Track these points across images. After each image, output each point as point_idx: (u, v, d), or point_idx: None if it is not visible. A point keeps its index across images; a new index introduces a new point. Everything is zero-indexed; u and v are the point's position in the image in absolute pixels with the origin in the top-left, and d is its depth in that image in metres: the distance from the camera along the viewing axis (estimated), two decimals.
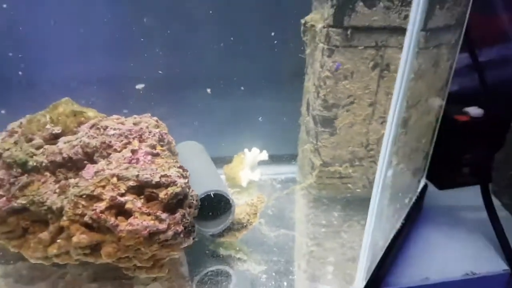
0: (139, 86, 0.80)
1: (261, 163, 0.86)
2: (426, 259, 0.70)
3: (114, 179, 0.51)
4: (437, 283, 0.66)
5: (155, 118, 0.68)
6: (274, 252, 0.67)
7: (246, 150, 0.85)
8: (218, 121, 0.90)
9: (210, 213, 0.66)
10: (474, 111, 0.85)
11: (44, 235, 0.54)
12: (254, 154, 0.84)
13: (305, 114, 0.78)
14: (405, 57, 0.43)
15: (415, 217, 0.78)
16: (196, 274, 0.63)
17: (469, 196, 0.86)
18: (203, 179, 0.67)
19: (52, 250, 0.54)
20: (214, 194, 0.64)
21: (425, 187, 0.82)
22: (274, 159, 0.89)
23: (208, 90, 0.87)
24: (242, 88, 0.88)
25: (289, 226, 0.74)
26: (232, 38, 0.83)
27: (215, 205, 0.67)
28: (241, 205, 0.69)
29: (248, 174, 0.82)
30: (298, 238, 0.71)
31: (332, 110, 0.69)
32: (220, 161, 0.85)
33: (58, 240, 0.53)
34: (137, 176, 0.51)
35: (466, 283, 0.67)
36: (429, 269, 0.67)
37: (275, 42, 0.83)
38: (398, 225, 0.68)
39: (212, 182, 0.67)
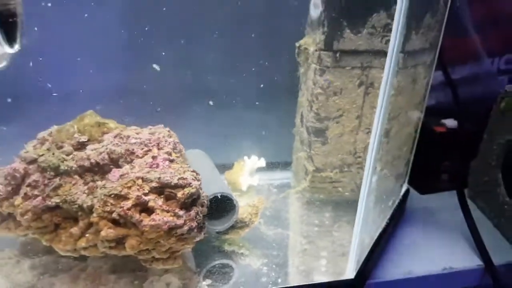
0: (156, 66, 0.85)
1: (258, 169, 0.95)
2: (409, 255, 0.78)
3: (139, 181, 0.60)
4: (419, 276, 0.74)
5: (167, 128, 0.76)
6: (273, 247, 0.75)
7: (245, 157, 0.94)
8: (219, 131, 0.98)
9: (217, 213, 0.74)
10: (450, 122, 0.95)
11: (75, 230, 0.61)
12: (253, 161, 0.92)
13: (299, 125, 0.87)
14: (386, 76, 0.52)
15: (398, 218, 0.87)
16: (203, 267, 0.71)
17: (447, 200, 0.95)
18: (210, 183, 0.75)
19: (81, 243, 0.61)
20: (220, 196, 0.72)
21: (407, 191, 0.91)
22: (270, 166, 0.98)
23: (211, 102, 0.95)
24: (239, 101, 0.96)
25: (285, 225, 0.82)
26: (231, 55, 0.91)
27: (220, 206, 0.75)
28: (243, 206, 0.77)
29: (248, 179, 0.91)
30: (293, 236, 0.80)
31: (323, 122, 0.78)
32: (222, 167, 0.94)
33: (87, 235, 0.61)
34: (159, 178, 0.60)
35: (445, 277, 0.75)
36: (412, 264, 0.76)
37: (271, 62, 0.91)
38: (383, 224, 0.77)
39: (218, 185, 0.75)
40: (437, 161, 0.97)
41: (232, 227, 0.75)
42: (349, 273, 0.65)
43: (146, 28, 0.84)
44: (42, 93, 0.82)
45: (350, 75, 0.74)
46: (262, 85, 0.94)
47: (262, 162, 0.93)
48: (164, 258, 0.63)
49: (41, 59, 0.78)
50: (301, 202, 0.88)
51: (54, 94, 0.82)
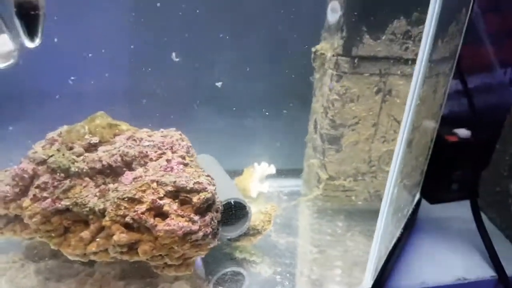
0: (174, 56, 0.83)
1: (267, 176, 0.93)
2: (422, 266, 0.77)
3: (154, 184, 0.58)
4: (433, 287, 0.73)
5: (179, 132, 0.74)
6: (285, 256, 0.73)
7: (255, 164, 0.92)
8: (229, 137, 0.97)
9: (229, 219, 0.73)
10: (463, 132, 0.94)
11: (85, 234, 0.59)
12: (263, 168, 0.91)
13: (312, 132, 0.85)
14: (414, 85, 0.50)
15: (411, 228, 0.85)
16: (214, 274, 0.69)
17: (458, 210, 0.95)
18: (222, 188, 0.73)
19: (91, 248, 0.59)
20: (233, 202, 0.70)
21: (419, 201, 0.90)
22: (279, 173, 0.96)
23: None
24: (248, 106, 0.95)
25: (297, 234, 0.81)
26: (242, 60, 0.90)
27: (232, 212, 0.73)
28: (255, 212, 0.76)
29: (258, 186, 0.89)
30: (305, 245, 0.78)
31: (338, 129, 0.77)
32: (231, 173, 0.92)
33: (98, 239, 0.59)
34: (174, 182, 0.58)
35: (458, 287, 0.74)
36: (425, 274, 0.75)
37: (284, 68, 0.90)
38: (397, 234, 0.75)
39: (231, 191, 0.74)
40: (448, 170, 0.96)
41: (244, 234, 0.73)
42: (367, 283, 0.63)
43: (157, 30, 0.84)
44: (43, 94, 0.81)
45: (367, 82, 0.73)
46: (271, 91, 0.93)
47: (272, 169, 0.92)
48: (176, 265, 0.61)
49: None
50: (312, 211, 0.86)
51: (57, 97, 0.80)
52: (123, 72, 0.87)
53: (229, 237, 0.72)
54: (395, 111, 0.75)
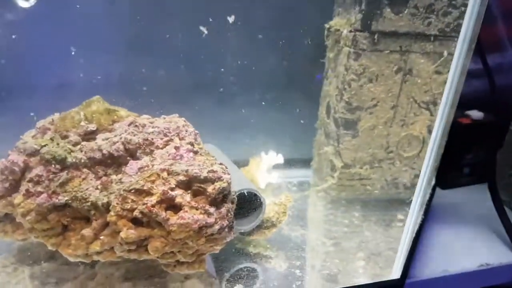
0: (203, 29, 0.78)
1: (274, 166, 0.88)
2: (443, 253, 0.74)
3: (164, 174, 0.51)
4: (456, 274, 0.70)
5: (183, 118, 0.68)
6: (301, 249, 0.68)
7: (263, 153, 0.86)
8: (229, 126, 0.92)
9: (241, 211, 0.67)
10: (476, 114, 0.90)
11: (87, 231, 0.53)
12: (271, 158, 0.85)
13: (324, 117, 0.80)
14: (454, 66, 0.45)
15: (427, 215, 0.81)
16: (226, 271, 0.63)
17: (470, 195, 0.93)
18: (234, 179, 0.67)
19: (95, 247, 0.53)
20: (246, 193, 0.65)
21: (434, 186, 0.86)
22: (286, 162, 0.91)
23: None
24: (250, 95, 0.90)
25: (311, 225, 0.76)
26: (248, 46, 0.85)
27: (245, 204, 0.68)
28: (268, 204, 0.70)
29: (266, 177, 0.83)
30: (320, 237, 0.73)
31: (355, 112, 0.72)
32: (235, 164, 0.86)
33: (102, 237, 0.53)
34: (187, 171, 0.52)
35: (481, 274, 0.71)
36: (447, 262, 0.71)
37: (290, 50, 0.85)
38: (419, 221, 0.71)
39: (242, 182, 0.68)
40: (461, 154, 0.93)
41: (257, 227, 0.68)
42: (395, 273, 0.59)
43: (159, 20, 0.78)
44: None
45: (387, 60, 0.68)
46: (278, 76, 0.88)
47: (280, 159, 0.86)
48: (189, 262, 0.55)
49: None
50: (326, 201, 0.81)
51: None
52: (118, 62, 0.81)
53: (242, 231, 0.67)
54: (416, 92, 0.70)
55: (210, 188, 0.52)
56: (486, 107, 0.93)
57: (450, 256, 0.73)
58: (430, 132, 0.74)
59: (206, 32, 0.76)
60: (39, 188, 0.53)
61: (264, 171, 0.84)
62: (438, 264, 0.71)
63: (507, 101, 0.88)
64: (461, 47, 0.45)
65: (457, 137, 0.89)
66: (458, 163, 0.94)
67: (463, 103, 0.91)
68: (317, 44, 0.81)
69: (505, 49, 0.94)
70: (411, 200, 0.77)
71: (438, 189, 0.95)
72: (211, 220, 0.51)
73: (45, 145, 0.56)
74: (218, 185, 0.53)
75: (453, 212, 0.87)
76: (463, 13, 0.63)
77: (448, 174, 0.95)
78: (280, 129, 0.92)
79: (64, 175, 0.54)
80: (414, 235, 0.68)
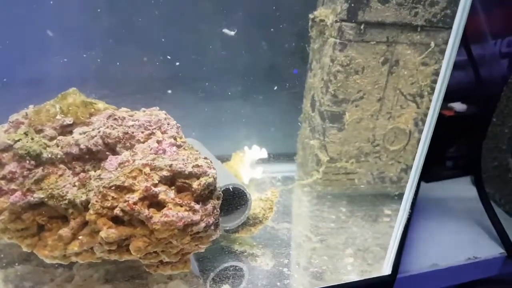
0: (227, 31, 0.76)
1: (258, 161, 0.86)
2: (431, 248, 0.73)
3: (147, 169, 0.49)
4: (445, 268, 0.70)
5: (164, 111, 0.65)
6: (288, 246, 0.67)
7: (246, 148, 0.84)
8: (214, 120, 0.89)
9: (226, 208, 0.65)
10: (459, 106, 0.90)
11: (65, 231, 0.50)
12: (255, 152, 0.83)
13: (309, 110, 0.78)
14: (448, 55, 0.44)
15: (413, 208, 0.81)
16: (211, 270, 0.61)
17: (453, 188, 0.93)
18: (218, 174, 0.65)
19: (73, 247, 0.50)
20: (231, 188, 0.62)
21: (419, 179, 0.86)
22: (270, 157, 0.89)
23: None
24: (232, 89, 0.88)
25: (297, 222, 0.74)
26: (230, 38, 0.82)
27: (229, 200, 0.65)
28: (254, 200, 0.68)
29: (250, 172, 0.82)
30: (307, 233, 0.72)
31: (341, 105, 0.71)
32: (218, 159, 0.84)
33: (80, 237, 0.50)
34: (171, 165, 0.49)
35: (469, 267, 0.72)
36: (436, 256, 0.71)
37: (272, 43, 0.83)
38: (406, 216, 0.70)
39: (226, 177, 0.66)
40: (444, 147, 0.93)
41: (243, 224, 0.66)
42: (386, 269, 0.58)
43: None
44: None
45: (374, 51, 0.66)
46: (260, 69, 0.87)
47: (264, 153, 0.84)
48: (173, 262, 0.53)
49: None
50: (312, 196, 0.79)
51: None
52: (94, 53, 0.77)
53: (227, 228, 0.65)
54: (402, 84, 0.69)
55: (195, 184, 0.50)
56: (469, 99, 0.93)
57: (439, 250, 0.73)
58: (416, 125, 0.73)
59: (231, 33, 0.74)
60: (12, 186, 0.50)
61: (247, 166, 0.82)
62: (427, 258, 0.71)
63: (489, 93, 0.88)
64: (454, 38, 0.44)
65: (441, 130, 0.89)
66: (442, 156, 0.94)
67: (446, 95, 0.92)
68: (300, 35, 0.79)
69: (486, 40, 0.94)
70: (398, 195, 0.77)
71: (422, 183, 0.95)
72: (196, 217, 0.49)
73: (18, 140, 0.52)
74: (203, 180, 0.51)
75: (437, 206, 0.88)
76: (449, 3, 0.63)
77: (432, 167, 0.95)
78: (264, 122, 0.91)
79: (39, 171, 0.51)
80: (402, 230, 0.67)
